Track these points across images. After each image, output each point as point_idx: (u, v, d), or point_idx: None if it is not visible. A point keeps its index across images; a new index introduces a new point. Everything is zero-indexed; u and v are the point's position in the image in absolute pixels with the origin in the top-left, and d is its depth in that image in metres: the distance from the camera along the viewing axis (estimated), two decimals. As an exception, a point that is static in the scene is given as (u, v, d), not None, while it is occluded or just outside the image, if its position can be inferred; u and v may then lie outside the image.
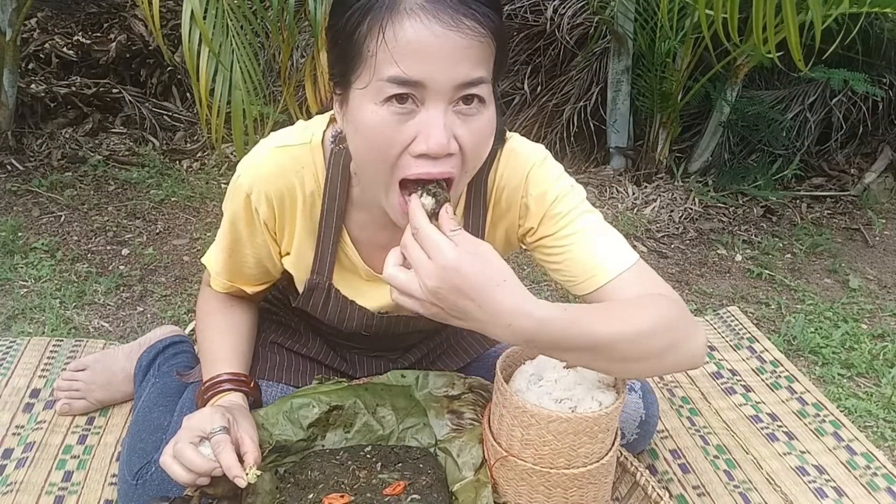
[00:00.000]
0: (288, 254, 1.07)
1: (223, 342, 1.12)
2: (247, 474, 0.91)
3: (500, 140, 1.00)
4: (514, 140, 1.03)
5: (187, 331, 1.70)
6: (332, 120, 0.99)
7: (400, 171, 0.84)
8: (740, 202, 2.75)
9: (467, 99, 0.81)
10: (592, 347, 0.83)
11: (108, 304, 1.82)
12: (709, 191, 2.74)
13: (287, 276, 1.14)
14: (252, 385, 1.09)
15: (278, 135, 1.02)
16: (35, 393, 1.45)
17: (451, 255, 0.77)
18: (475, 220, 1.04)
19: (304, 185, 0.99)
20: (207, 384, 1.06)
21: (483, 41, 0.79)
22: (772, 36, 1.70)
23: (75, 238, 2.12)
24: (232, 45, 1.78)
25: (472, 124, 0.83)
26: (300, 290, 1.10)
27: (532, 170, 1.01)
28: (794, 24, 1.66)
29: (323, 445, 1.08)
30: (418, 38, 0.77)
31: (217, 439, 0.91)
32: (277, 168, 0.98)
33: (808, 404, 1.59)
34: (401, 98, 0.80)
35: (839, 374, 1.72)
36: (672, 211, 2.61)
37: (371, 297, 1.09)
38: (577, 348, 0.83)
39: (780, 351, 1.79)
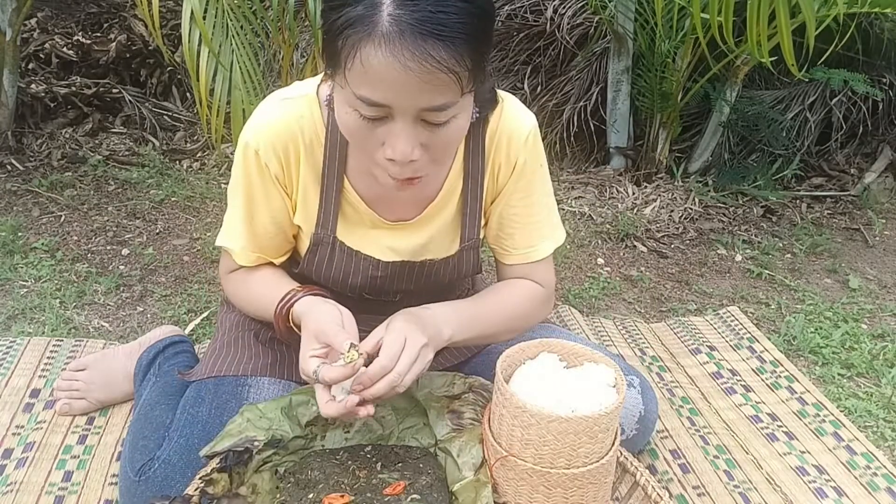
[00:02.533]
0: (295, 210, 1.10)
1: (273, 281, 1.12)
2: (347, 356, 0.91)
3: (492, 103, 1.07)
4: (511, 99, 1.11)
5: (187, 331, 1.70)
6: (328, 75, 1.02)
7: (376, 166, 0.93)
8: (740, 202, 2.75)
9: (436, 114, 0.86)
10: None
11: (108, 304, 1.82)
12: (709, 191, 2.74)
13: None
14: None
15: (276, 92, 1.08)
16: (35, 393, 1.45)
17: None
18: (474, 168, 1.10)
19: (304, 133, 1.04)
20: (280, 304, 1.06)
21: (451, 71, 0.81)
22: (765, 41, 1.70)
23: (75, 238, 2.12)
24: (232, 45, 1.78)
25: (441, 133, 0.89)
26: (306, 248, 1.12)
27: (532, 132, 1.11)
28: (787, 29, 1.66)
29: (323, 445, 1.08)
30: (385, 69, 0.80)
31: (321, 374, 0.92)
32: (280, 119, 1.03)
33: (808, 404, 1.59)
34: (370, 109, 0.85)
35: (839, 374, 1.72)
36: (672, 211, 2.61)
37: (377, 245, 1.12)
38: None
39: (780, 351, 1.79)
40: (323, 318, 0.99)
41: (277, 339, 1.23)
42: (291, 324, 1.06)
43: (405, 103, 0.83)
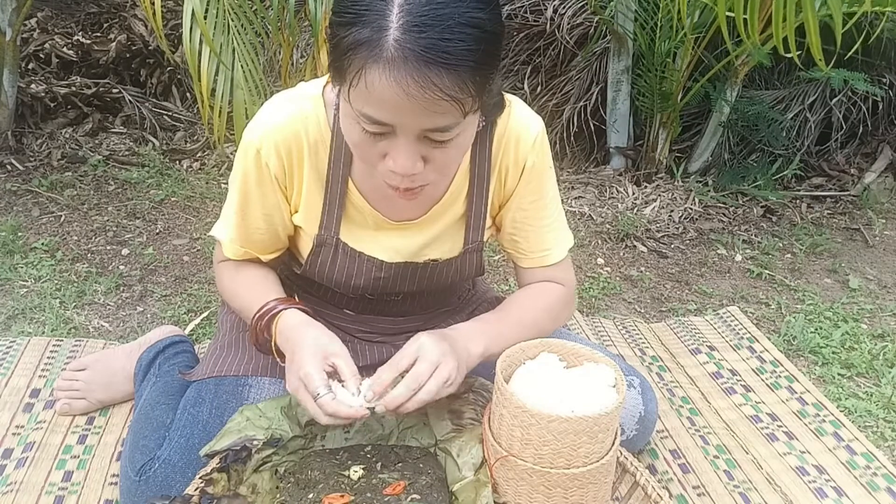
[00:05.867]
0: (297, 211, 1.10)
1: (257, 285, 1.13)
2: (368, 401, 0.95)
3: (499, 107, 1.06)
4: (518, 102, 1.11)
5: (187, 331, 1.70)
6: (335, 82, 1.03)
7: (379, 175, 0.93)
8: (740, 202, 2.75)
9: (439, 133, 0.86)
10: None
11: (108, 304, 1.82)
12: (709, 191, 2.74)
13: (289, 252, 1.19)
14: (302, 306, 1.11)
15: (282, 92, 1.08)
16: (35, 393, 1.45)
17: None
18: (481, 170, 1.10)
19: (309, 133, 1.04)
20: (259, 313, 1.07)
21: (454, 99, 0.81)
22: (791, 36, 1.70)
23: (75, 238, 2.12)
24: (233, 44, 1.78)
25: (444, 148, 0.89)
26: (309, 249, 1.12)
27: (540, 134, 1.11)
28: (815, 24, 1.65)
29: (323, 445, 1.08)
30: (389, 93, 0.80)
31: (321, 402, 0.94)
32: (283, 119, 1.03)
33: (808, 404, 1.59)
34: (373, 126, 0.86)
35: (839, 374, 1.72)
36: (672, 211, 2.61)
37: (381, 245, 1.12)
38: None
39: (780, 351, 1.79)
40: (331, 341, 1.01)
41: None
42: (271, 334, 1.07)
43: (408, 124, 0.84)
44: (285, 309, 1.07)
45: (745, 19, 1.75)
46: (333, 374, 0.98)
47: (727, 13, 1.77)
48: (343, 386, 0.97)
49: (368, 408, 0.95)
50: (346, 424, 0.99)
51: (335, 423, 0.95)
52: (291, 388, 0.99)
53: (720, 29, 1.78)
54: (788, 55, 1.80)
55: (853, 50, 2.22)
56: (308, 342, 1.00)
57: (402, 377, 0.97)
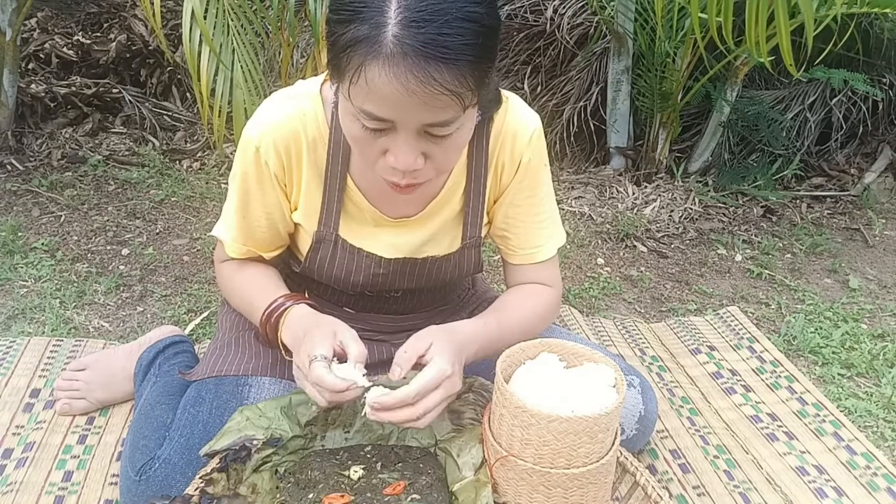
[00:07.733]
0: (296, 208, 1.10)
1: (261, 283, 1.14)
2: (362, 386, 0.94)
3: (496, 103, 1.07)
4: (515, 99, 1.12)
5: (187, 331, 1.70)
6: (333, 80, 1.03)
7: (378, 171, 0.93)
8: (740, 202, 2.75)
9: (439, 128, 0.87)
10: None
11: (108, 304, 1.82)
12: (709, 191, 2.74)
13: (287, 251, 1.19)
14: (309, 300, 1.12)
15: (280, 90, 1.08)
16: (35, 393, 1.45)
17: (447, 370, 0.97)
18: (478, 166, 1.11)
19: (307, 131, 1.04)
20: (268, 311, 1.08)
21: (454, 93, 0.82)
22: (763, 42, 1.70)
23: (75, 238, 2.12)
24: (233, 44, 1.78)
25: (444, 143, 0.89)
26: (308, 246, 1.13)
27: (536, 131, 1.11)
28: (786, 30, 1.66)
29: (323, 445, 1.08)
30: (389, 88, 0.81)
31: (312, 367, 0.94)
32: (282, 117, 1.04)
33: (808, 404, 1.59)
34: (374, 122, 0.86)
35: (839, 374, 1.72)
36: (672, 211, 2.61)
37: (379, 242, 1.13)
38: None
39: (780, 351, 1.79)
40: (343, 325, 1.02)
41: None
42: (278, 331, 1.08)
43: (408, 120, 0.84)
44: (294, 304, 1.08)
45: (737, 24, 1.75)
46: (343, 357, 0.98)
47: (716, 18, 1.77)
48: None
49: (362, 385, 0.94)
50: (337, 404, 0.97)
51: (324, 396, 0.94)
52: (297, 365, 0.99)
53: (721, 29, 1.77)
54: (773, 58, 1.80)
55: (849, 50, 2.22)
56: (322, 322, 1.02)
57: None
